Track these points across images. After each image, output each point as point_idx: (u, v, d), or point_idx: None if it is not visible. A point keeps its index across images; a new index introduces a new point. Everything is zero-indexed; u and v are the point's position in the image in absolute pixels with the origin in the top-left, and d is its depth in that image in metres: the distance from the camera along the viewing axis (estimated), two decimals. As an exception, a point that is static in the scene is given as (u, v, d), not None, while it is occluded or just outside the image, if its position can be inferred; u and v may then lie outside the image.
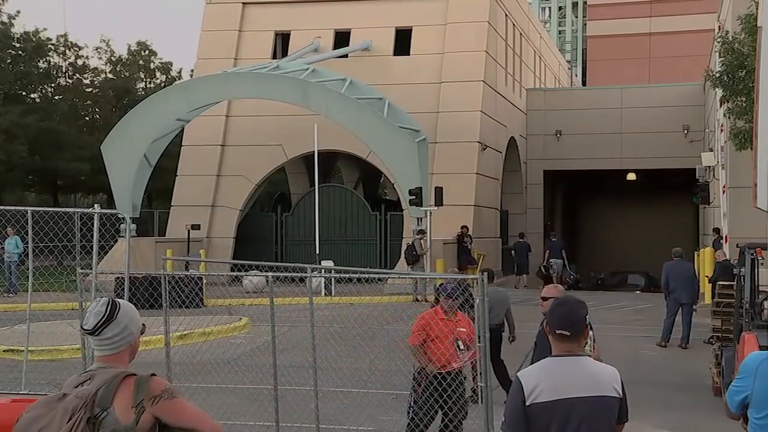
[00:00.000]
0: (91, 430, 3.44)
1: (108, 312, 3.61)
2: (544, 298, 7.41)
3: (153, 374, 3.60)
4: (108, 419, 3.45)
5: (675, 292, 17.25)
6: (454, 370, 8.90)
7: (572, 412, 4.10)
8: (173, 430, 3.56)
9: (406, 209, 27.34)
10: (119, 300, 3.72)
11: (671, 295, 17.30)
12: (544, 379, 4.15)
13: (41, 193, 49.85)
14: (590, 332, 4.80)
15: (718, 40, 21.54)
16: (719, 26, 26.12)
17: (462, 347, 8.90)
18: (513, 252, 33.95)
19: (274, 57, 32.67)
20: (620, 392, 4.25)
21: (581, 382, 4.16)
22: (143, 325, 3.75)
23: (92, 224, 10.33)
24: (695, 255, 26.28)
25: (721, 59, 21.27)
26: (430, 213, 25.82)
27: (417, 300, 23.55)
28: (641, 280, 38.69)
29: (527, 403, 4.11)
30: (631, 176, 41.67)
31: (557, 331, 4.22)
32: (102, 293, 10.50)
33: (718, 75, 21.39)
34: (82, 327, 3.67)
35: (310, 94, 26.85)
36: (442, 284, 9.65)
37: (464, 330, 8.95)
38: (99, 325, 3.60)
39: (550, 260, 33.45)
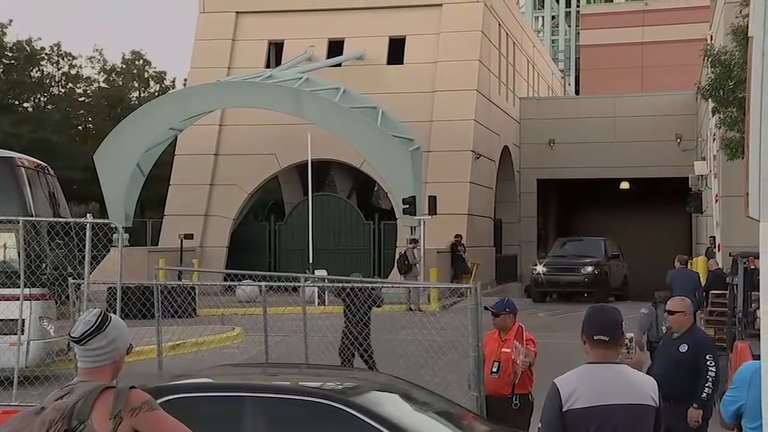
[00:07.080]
0: None
1: (98, 323, 3.59)
2: (671, 312, 7.71)
3: (133, 386, 3.58)
4: None
5: None
6: (508, 395, 7.85)
7: (609, 418, 4.12)
8: None
9: (399, 218, 27.34)
10: (112, 315, 3.70)
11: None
12: (581, 385, 4.17)
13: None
14: (628, 338, 4.83)
15: (706, 53, 21.57)
16: (711, 36, 26.20)
17: (495, 370, 7.84)
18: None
19: (268, 66, 32.67)
20: (657, 401, 4.25)
21: (619, 389, 4.17)
22: (131, 344, 3.72)
23: (84, 234, 10.30)
24: (688, 264, 26.27)
25: (711, 70, 21.31)
26: (424, 222, 25.81)
27: (410, 309, 23.48)
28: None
29: (564, 409, 4.13)
30: (625, 185, 41.75)
31: (595, 337, 4.22)
32: (94, 303, 10.47)
33: (708, 87, 21.43)
34: (69, 334, 3.66)
35: (304, 103, 26.85)
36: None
37: (507, 351, 7.82)
38: (86, 334, 3.58)
39: None
